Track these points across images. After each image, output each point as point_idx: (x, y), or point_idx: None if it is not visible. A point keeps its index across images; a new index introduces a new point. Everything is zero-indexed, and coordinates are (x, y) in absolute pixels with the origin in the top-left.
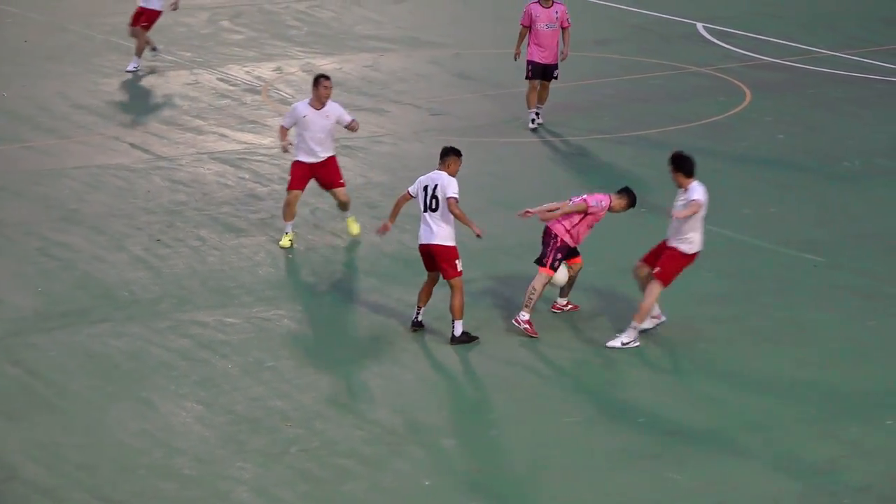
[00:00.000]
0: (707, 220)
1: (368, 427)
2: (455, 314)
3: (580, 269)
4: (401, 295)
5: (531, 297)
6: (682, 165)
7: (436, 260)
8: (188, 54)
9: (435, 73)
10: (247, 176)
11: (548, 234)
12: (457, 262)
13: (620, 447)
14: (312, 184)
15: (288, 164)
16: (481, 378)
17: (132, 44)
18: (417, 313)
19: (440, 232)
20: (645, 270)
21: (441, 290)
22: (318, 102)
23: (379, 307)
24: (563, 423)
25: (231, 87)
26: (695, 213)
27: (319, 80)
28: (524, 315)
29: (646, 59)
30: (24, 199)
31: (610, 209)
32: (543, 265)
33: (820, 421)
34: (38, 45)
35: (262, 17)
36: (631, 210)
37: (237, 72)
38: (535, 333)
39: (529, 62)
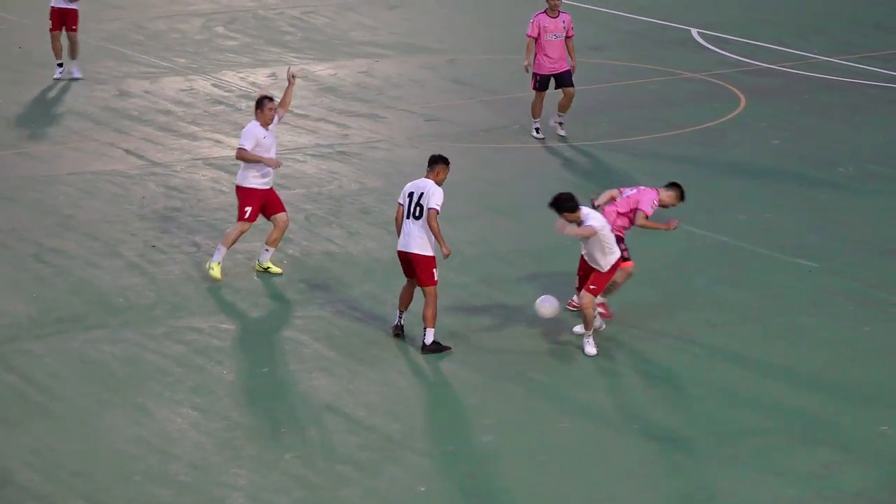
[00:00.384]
0: (702, 225)
1: (364, 433)
2: (427, 322)
3: (629, 274)
4: (396, 301)
5: (611, 288)
6: (561, 206)
7: (413, 267)
8: (182, 60)
9: (429, 79)
10: None
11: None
12: (434, 270)
13: (615, 454)
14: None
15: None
16: (476, 384)
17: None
18: (399, 317)
19: (419, 240)
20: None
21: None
22: (266, 124)
23: (373, 313)
24: (558, 429)
25: (226, 94)
26: (590, 235)
27: (264, 101)
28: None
29: (640, 65)
30: (18, 205)
31: (660, 204)
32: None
33: (814, 426)
34: (32, 52)
35: (256, 23)
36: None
37: (232, 78)
38: (610, 315)
39: (537, 74)
